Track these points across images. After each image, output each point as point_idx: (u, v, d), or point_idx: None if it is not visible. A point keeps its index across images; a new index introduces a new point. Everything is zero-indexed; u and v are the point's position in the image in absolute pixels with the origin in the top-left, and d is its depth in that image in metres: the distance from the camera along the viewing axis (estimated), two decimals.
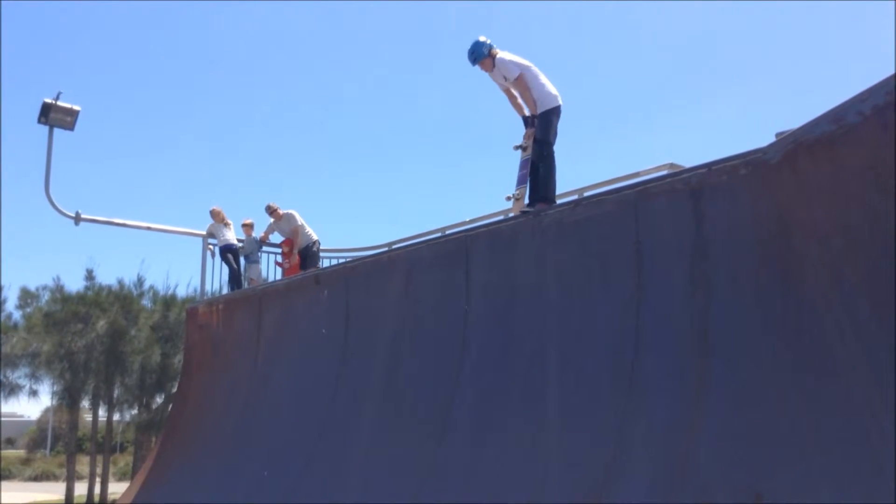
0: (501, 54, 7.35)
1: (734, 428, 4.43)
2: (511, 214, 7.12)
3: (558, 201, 7.25)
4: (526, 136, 7.46)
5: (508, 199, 7.43)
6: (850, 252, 4.16)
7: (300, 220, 12.75)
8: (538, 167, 7.13)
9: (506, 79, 7.30)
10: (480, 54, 7.42)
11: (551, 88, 7.24)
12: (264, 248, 13.53)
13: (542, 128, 7.15)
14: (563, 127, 7.30)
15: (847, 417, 3.93)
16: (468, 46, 7.45)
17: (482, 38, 7.46)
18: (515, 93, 7.47)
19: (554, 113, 7.19)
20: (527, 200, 7.18)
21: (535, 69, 7.31)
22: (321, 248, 13.02)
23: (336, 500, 6.74)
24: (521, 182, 7.33)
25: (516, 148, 7.52)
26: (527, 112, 7.47)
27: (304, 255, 12.62)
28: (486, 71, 7.46)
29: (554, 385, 5.62)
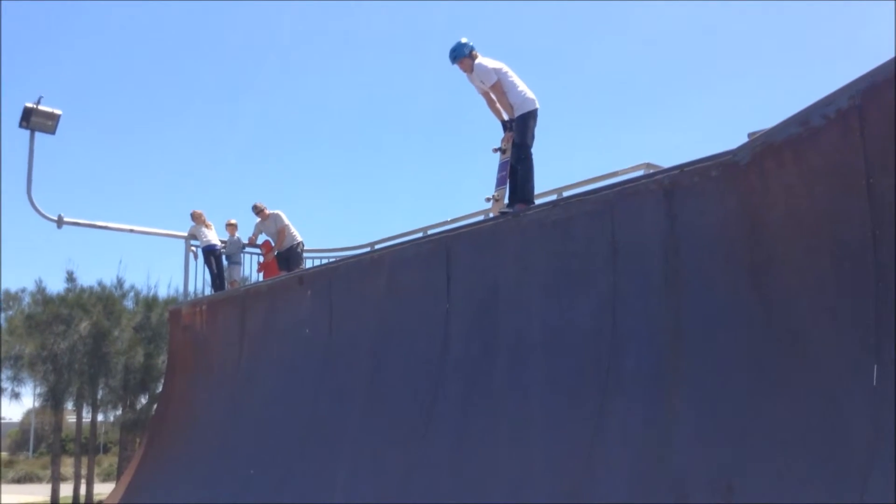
0: (481, 59, 7.47)
1: (708, 422, 4.57)
2: (491, 215, 7.25)
3: (538, 201, 7.39)
4: (504, 140, 7.58)
5: (488, 200, 7.55)
6: (817, 250, 4.30)
7: (286, 220, 12.82)
8: (517, 169, 7.25)
9: (483, 83, 7.44)
10: (461, 53, 7.57)
11: (528, 92, 7.37)
12: (247, 250, 13.58)
13: (520, 131, 7.28)
14: (545, 125, 7.45)
15: (814, 412, 4.07)
16: (451, 46, 7.60)
17: (464, 40, 7.60)
18: (493, 97, 7.59)
19: (531, 116, 7.32)
20: (506, 201, 7.31)
21: (512, 73, 7.44)
22: (304, 248, 13.10)
23: (321, 499, 6.84)
24: (500, 184, 7.45)
25: (495, 150, 7.65)
26: (505, 116, 7.59)
27: (287, 255, 12.69)
28: (465, 72, 7.59)
29: (534, 382, 5.75)
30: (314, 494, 6.99)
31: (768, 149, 4.66)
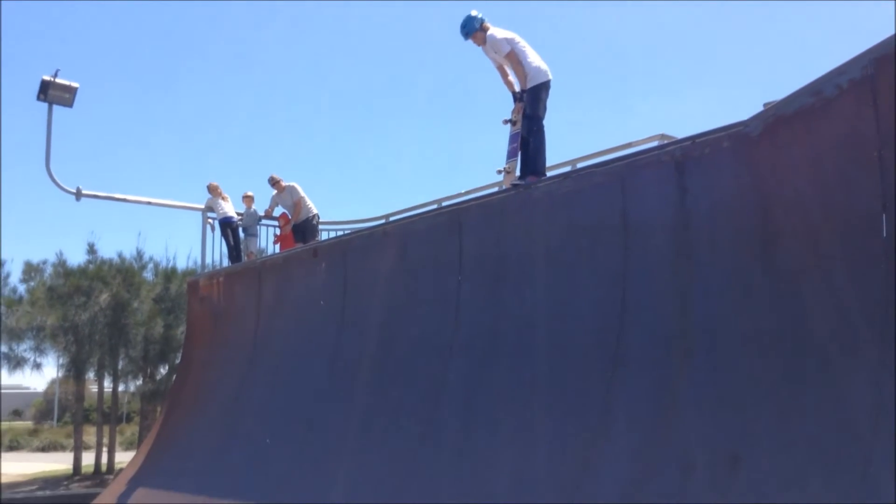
0: (492, 30, 7.40)
1: (715, 396, 4.58)
2: (503, 187, 7.23)
3: (551, 173, 7.36)
4: (515, 111, 7.53)
5: (499, 172, 7.52)
6: (827, 223, 4.27)
7: (302, 192, 12.85)
8: (528, 141, 7.21)
9: (497, 53, 7.36)
10: (472, 28, 7.47)
11: (541, 63, 7.29)
12: (263, 222, 13.65)
13: (531, 103, 7.22)
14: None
15: (823, 385, 4.08)
16: (461, 20, 7.52)
17: (474, 13, 7.50)
18: (507, 69, 7.51)
19: (543, 88, 7.26)
20: (518, 174, 7.28)
21: (524, 43, 7.35)
22: (320, 220, 13.14)
23: (330, 470, 6.94)
24: (511, 156, 7.41)
25: (505, 122, 7.59)
26: (517, 87, 7.53)
27: (303, 227, 12.74)
28: (479, 45, 7.51)
29: (543, 354, 5.77)
30: (323, 466, 7.09)
31: (780, 120, 4.61)
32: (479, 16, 7.47)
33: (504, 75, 7.65)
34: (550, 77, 7.30)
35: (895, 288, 3.77)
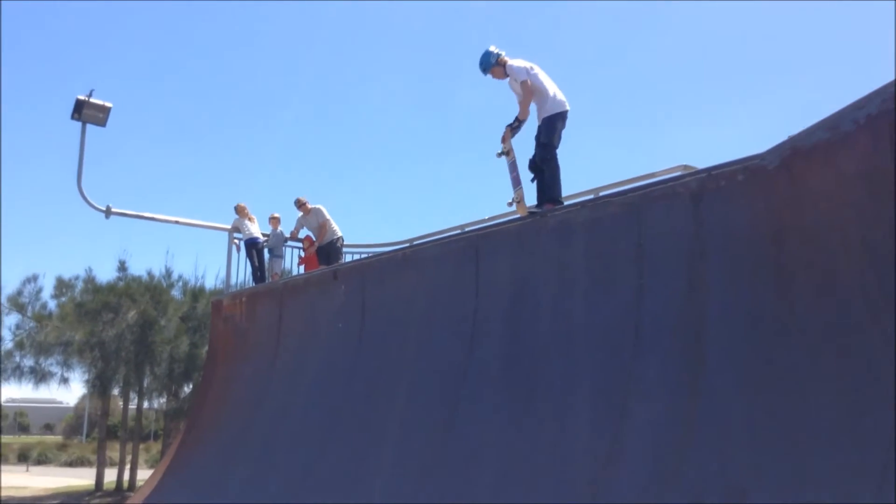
0: (511, 61, 7.44)
1: (726, 427, 4.52)
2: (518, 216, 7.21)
3: (574, 200, 7.35)
4: (503, 140, 7.50)
5: (510, 204, 7.46)
6: (844, 256, 4.23)
7: (327, 215, 12.97)
8: (542, 170, 7.20)
9: (515, 81, 7.39)
10: (488, 63, 7.54)
11: (558, 94, 7.33)
12: (289, 243, 13.77)
13: (547, 131, 7.23)
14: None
15: (836, 418, 4.01)
16: (481, 54, 7.57)
17: (491, 48, 7.55)
18: (519, 95, 7.50)
19: (559, 118, 7.27)
20: (534, 202, 7.27)
21: (543, 74, 7.38)
22: (344, 243, 13.23)
23: (344, 494, 6.92)
24: (515, 184, 7.40)
25: (499, 155, 7.54)
26: (521, 115, 7.50)
27: (327, 249, 12.84)
28: (499, 78, 7.55)
29: (557, 382, 5.75)
30: (338, 488, 7.08)
31: (797, 153, 4.59)
32: (496, 51, 7.53)
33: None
34: (568, 108, 7.32)
35: None
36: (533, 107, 7.45)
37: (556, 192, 7.10)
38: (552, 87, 7.32)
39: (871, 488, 3.68)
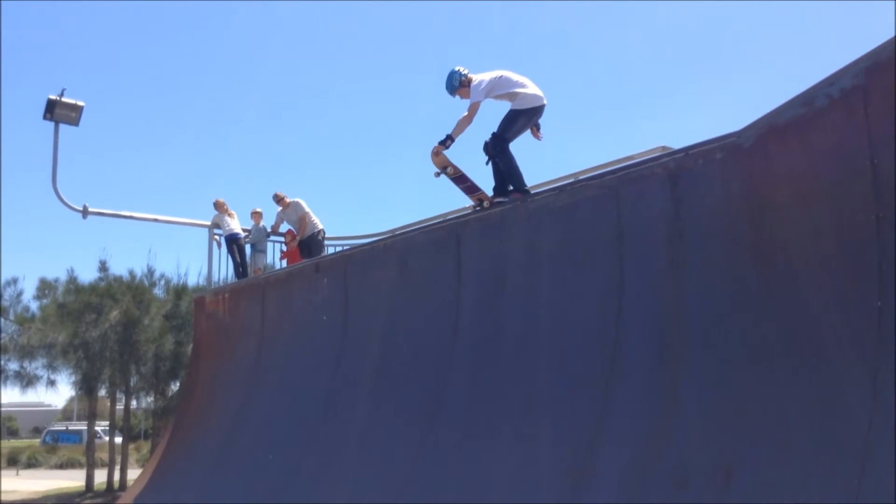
0: (476, 77, 7.22)
1: (710, 406, 4.53)
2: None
3: (552, 185, 7.30)
4: (433, 156, 7.24)
5: (476, 209, 7.32)
6: (817, 233, 4.23)
7: (306, 207, 12.89)
8: (497, 163, 7.11)
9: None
10: (452, 85, 7.40)
11: (531, 90, 7.14)
12: (271, 238, 13.69)
13: (505, 123, 7.09)
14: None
15: (813, 395, 4.02)
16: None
17: (457, 68, 7.38)
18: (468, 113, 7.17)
19: (523, 114, 7.10)
20: (497, 194, 7.17)
21: (513, 77, 7.18)
22: (326, 236, 13.17)
23: (330, 486, 6.91)
24: (472, 191, 7.31)
25: (437, 175, 7.34)
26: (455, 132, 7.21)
27: (309, 243, 12.77)
28: (466, 98, 7.31)
29: (540, 367, 5.75)
30: (324, 480, 7.07)
31: (772, 130, 4.59)
32: (460, 70, 7.37)
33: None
34: (537, 105, 7.18)
35: (894, 295, 3.71)
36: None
37: (517, 179, 6.98)
38: (527, 84, 7.16)
39: (855, 463, 3.69)
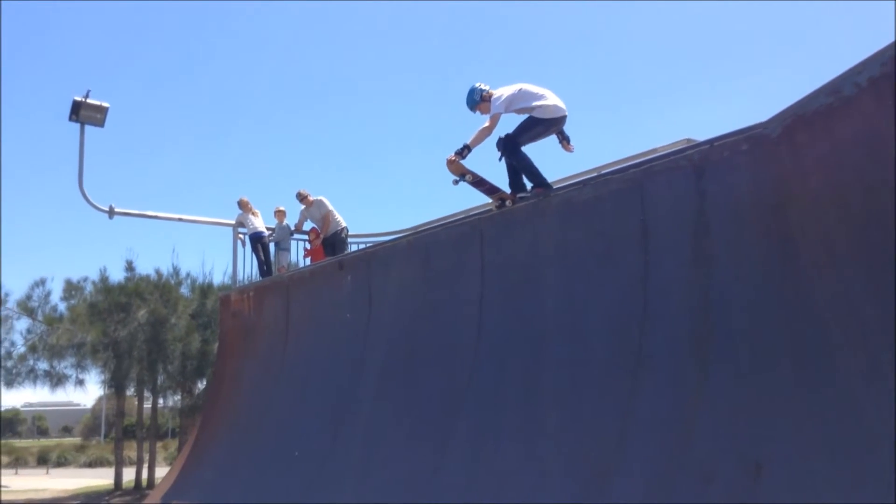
0: (497, 92, 7.21)
1: (735, 400, 4.48)
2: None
3: (577, 179, 7.26)
4: (449, 164, 7.25)
5: (499, 207, 7.32)
6: (844, 223, 4.17)
7: (330, 206, 12.92)
8: (512, 165, 7.06)
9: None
10: (472, 101, 7.39)
11: (549, 102, 7.07)
12: (295, 236, 13.75)
13: (521, 127, 7.04)
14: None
15: (841, 388, 3.96)
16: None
17: (477, 85, 7.37)
18: (487, 125, 7.13)
19: (542, 123, 7.04)
20: (509, 191, 7.12)
21: (533, 89, 7.13)
22: (349, 234, 13.20)
23: (355, 483, 6.93)
24: (493, 192, 7.28)
25: (455, 182, 7.32)
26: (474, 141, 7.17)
27: (332, 241, 12.81)
28: (486, 114, 7.28)
29: (565, 362, 5.72)
30: (349, 477, 7.09)
31: (799, 120, 4.52)
32: (480, 86, 7.37)
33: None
34: (558, 116, 7.11)
35: None
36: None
37: (535, 176, 6.92)
38: (546, 96, 7.09)
39: (889, 460, 3.63)
